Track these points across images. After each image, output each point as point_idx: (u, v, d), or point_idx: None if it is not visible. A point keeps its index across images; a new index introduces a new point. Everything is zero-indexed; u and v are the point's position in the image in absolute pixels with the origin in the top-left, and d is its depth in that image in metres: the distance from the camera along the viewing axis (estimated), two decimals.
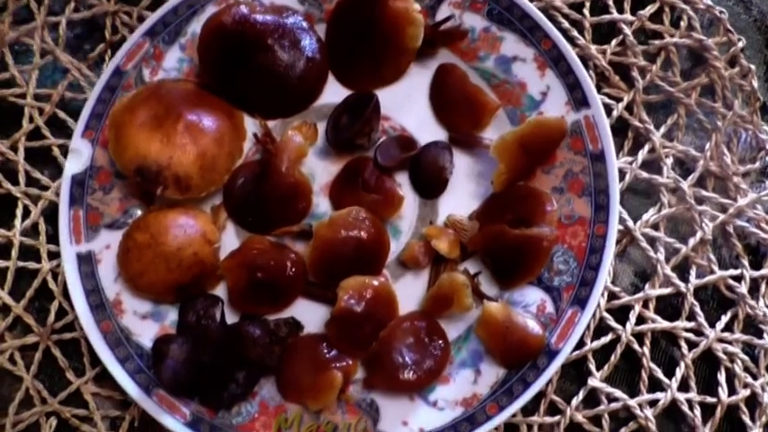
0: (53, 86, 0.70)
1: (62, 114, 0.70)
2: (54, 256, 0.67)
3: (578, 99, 0.66)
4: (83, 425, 0.64)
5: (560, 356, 0.61)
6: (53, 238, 0.67)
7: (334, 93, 0.70)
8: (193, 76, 0.69)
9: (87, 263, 0.65)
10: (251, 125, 0.69)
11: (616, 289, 0.65)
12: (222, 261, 0.65)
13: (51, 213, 0.68)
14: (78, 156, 0.67)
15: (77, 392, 0.65)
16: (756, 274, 0.66)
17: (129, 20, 0.70)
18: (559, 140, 0.65)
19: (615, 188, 0.63)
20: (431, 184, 0.68)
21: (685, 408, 0.63)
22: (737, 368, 0.63)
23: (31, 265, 0.67)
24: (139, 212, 0.66)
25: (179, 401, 0.63)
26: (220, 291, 0.66)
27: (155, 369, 0.62)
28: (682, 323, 0.65)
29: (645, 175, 0.67)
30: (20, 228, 0.68)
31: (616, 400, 0.63)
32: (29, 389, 0.65)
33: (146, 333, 0.64)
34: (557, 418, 0.63)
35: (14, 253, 0.67)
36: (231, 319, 0.65)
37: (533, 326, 0.62)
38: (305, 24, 0.68)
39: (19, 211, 0.68)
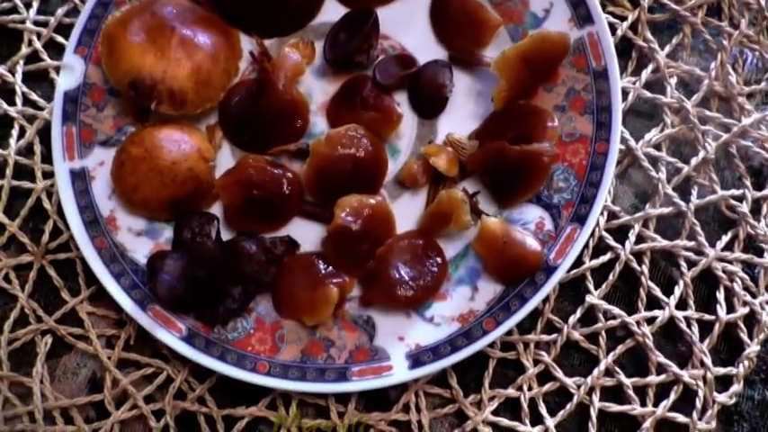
0: (51, 13, 0.70)
1: (60, 38, 0.70)
2: (48, 176, 0.67)
3: (582, 15, 0.65)
4: (78, 342, 0.65)
5: (558, 272, 0.61)
6: (47, 158, 0.67)
7: (332, 11, 0.69)
8: None
9: (81, 179, 0.65)
10: (247, 44, 0.68)
11: (616, 208, 0.65)
12: (218, 179, 0.65)
13: (46, 134, 0.67)
14: (71, 72, 0.66)
15: (73, 312, 0.66)
16: (758, 194, 0.66)
17: None
18: (562, 57, 0.64)
19: (618, 105, 0.63)
20: (430, 102, 0.67)
21: (683, 325, 0.63)
22: (737, 287, 0.64)
23: (26, 184, 0.67)
24: (130, 129, 0.66)
25: (174, 316, 0.63)
26: (216, 210, 0.66)
27: (150, 284, 0.63)
28: (682, 242, 0.65)
29: (648, 94, 0.67)
30: (15, 147, 0.68)
31: (614, 318, 0.63)
32: (24, 307, 0.65)
33: (140, 249, 0.64)
34: (553, 336, 0.64)
35: (9, 172, 0.67)
36: (227, 237, 0.65)
37: (531, 242, 0.62)
38: None
39: (15, 131, 0.68)
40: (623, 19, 0.68)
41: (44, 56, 0.69)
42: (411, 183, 0.66)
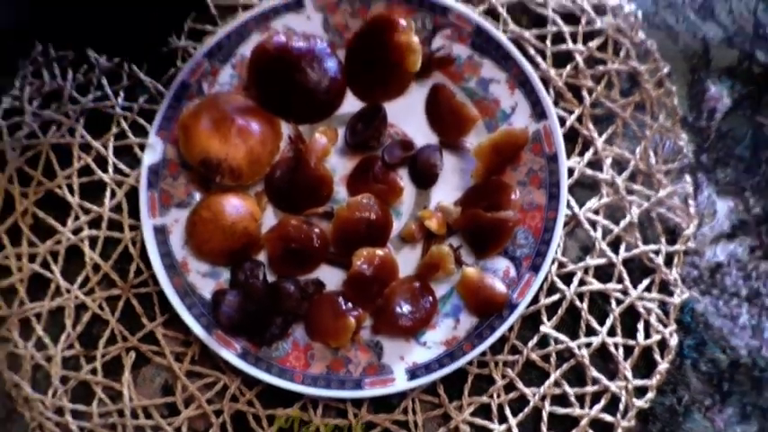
0: (135, 100, 0.78)
1: (141, 120, 0.77)
2: (133, 228, 0.75)
3: (539, 112, 0.74)
4: (155, 357, 0.73)
5: (519, 309, 0.70)
6: (133, 213, 0.75)
7: (351, 104, 0.76)
8: (242, 90, 0.76)
9: (161, 233, 0.73)
10: (286, 129, 0.76)
11: (564, 259, 0.74)
12: (264, 234, 0.73)
13: (132, 195, 0.75)
14: (153, 150, 0.74)
15: (151, 333, 0.73)
16: (671, 249, 0.74)
17: (193, 51, 0.77)
18: (523, 145, 0.73)
19: (564, 183, 0.72)
20: (425, 177, 0.75)
21: (612, 348, 0.72)
22: (653, 319, 0.72)
23: (116, 234, 0.75)
24: (199, 195, 0.74)
25: (232, 339, 0.71)
26: (262, 257, 0.74)
27: (213, 314, 0.71)
28: (612, 285, 0.73)
29: (589, 172, 0.75)
30: (108, 206, 0.75)
31: (561, 343, 0.72)
32: (113, 329, 0.73)
33: (206, 287, 0.72)
34: (516, 356, 0.72)
35: (104, 225, 0.75)
36: (271, 278, 0.73)
37: (500, 286, 0.71)
38: (329, 50, 0.76)
39: (108, 193, 0.75)
40: (571, 113, 0.76)
41: (129, 134, 0.77)
42: (410, 239, 0.74)
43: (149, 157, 0.75)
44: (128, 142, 0.78)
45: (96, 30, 0.69)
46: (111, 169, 0.77)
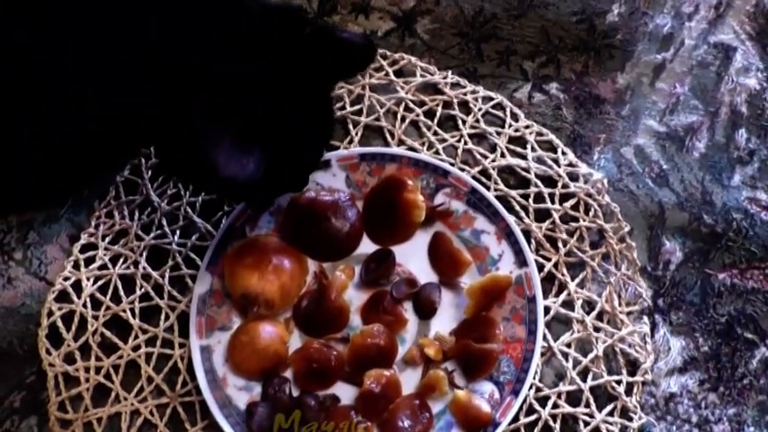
0: (189, 238, 0.89)
1: (193, 255, 0.87)
2: (182, 346, 0.83)
3: (521, 260, 0.84)
4: None
5: (501, 426, 0.78)
6: (182, 334, 0.83)
7: (366, 247, 0.85)
8: (277, 232, 0.85)
9: (206, 352, 0.81)
10: (312, 266, 0.84)
11: (541, 384, 0.80)
12: (290, 355, 0.80)
13: (182, 318, 0.84)
14: (203, 282, 0.84)
15: None
16: (631, 379, 0.81)
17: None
18: (507, 288, 0.82)
19: (541, 320, 0.81)
20: (426, 310, 0.83)
21: None
22: None
23: (168, 351, 0.83)
24: (238, 321, 0.83)
25: None
26: (288, 374, 0.81)
27: (247, 424, 0.78)
28: (581, 409, 0.80)
29: (563, 310, 0.84)
30: (162, 327, 0.84)
31: None
32: None
33: (241, 399, 0.79)
34: None
35: (158, 343, 0.84)
36: (295, 392, 0.79)
37: (485, 406, 0.78)
38: (350, 202, 0.86)
39: (162, 316, 0.85)
40: (549, 260, 0.85)
41: (182, 267, 0.87)
42: (412, 362, 0.80)
43: (199, 288, 0.84)
44: (181, 273, 0.87)
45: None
46: (166, 296, 0.86)
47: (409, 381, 0.81)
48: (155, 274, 0.87)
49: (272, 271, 0.83)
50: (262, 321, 0.82)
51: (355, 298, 0.84)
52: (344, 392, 0.81)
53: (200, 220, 0.89)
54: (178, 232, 0.89)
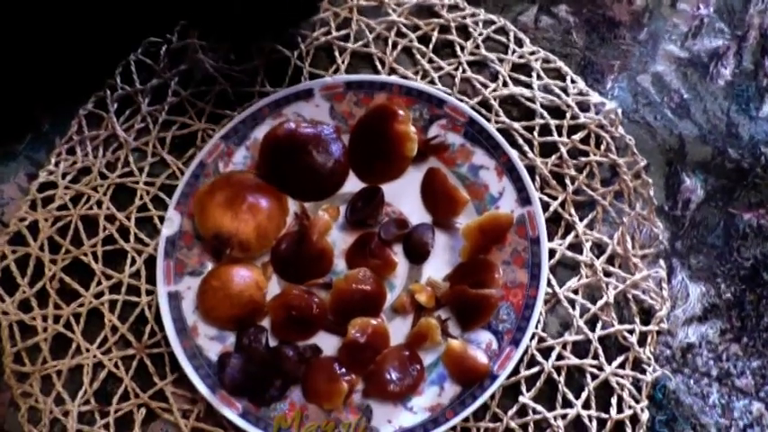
0: (158, 176, 0.84)
1: (162, 195, 0.83)
2: (149, 293, 0.79)
3: (524, 198, 0.79)
4: (164, 414, 0.76)
5: (499, 380, 0.73)
6: (150, 280, 0.79)
7: (352, 185, 0.81)
8: (254, 169, 0.81)
9: (174, 299, 0.77)
10: (293, 205, 0.80)
11: (544, 334, 0.76)
12: (268, 302, 0.76)
13: (150, 263, 0.79)
14: (171, 223, 0.79)
15: (161, 391, 0.76)
16: (645, 329, 0.77)
17: (212, 133, 0.84)
18: (508, 228, 0.77)
19: (545, 264, 0.76)
20: (417, 253, 0.79)
21: (586, 420, 0.74)
22: (625, 395, 0.75)
23: (134, 299, 0.79)
24: (210, 265, 0.78)
25: (234, 399, 0.74)
26: (266, 323, 0.77)
27: (218, 375, 0.74)
28: (589, 361, 0.76)
29: (570, 254, 0.79)
30: (127, 272, 0.80)
31: (539, 413, 0.74)
32: (126, 386, 0.76)
33: (213, 350, 0.76)
34: (497, 424, 0.74)
35: (123, 289, 0.79)
36: (273, 343, 0.76)
37: (482, 357, 0.74)
38: (334, 135, 0.82)
39: (128, 261, 0.80)
40: (555, 198, 0.80)
41: (150, 207, 0.82)
42: (402, 310, 0.77)
43: (167, 229, 0.80)
44: (148, 214, 0.83)
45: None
46: (132, 239, 0.82)
47: (398, 330, 0.78)
48: (120, 215, 0.83)
49: (247, 210, 0.78)
50: (236, 265, 0.78)
51: (340, 240, 0.81)
52: (327, 343, 0.77)
53: (170, 157, 0.85)
54: (146, 170, 0.85)
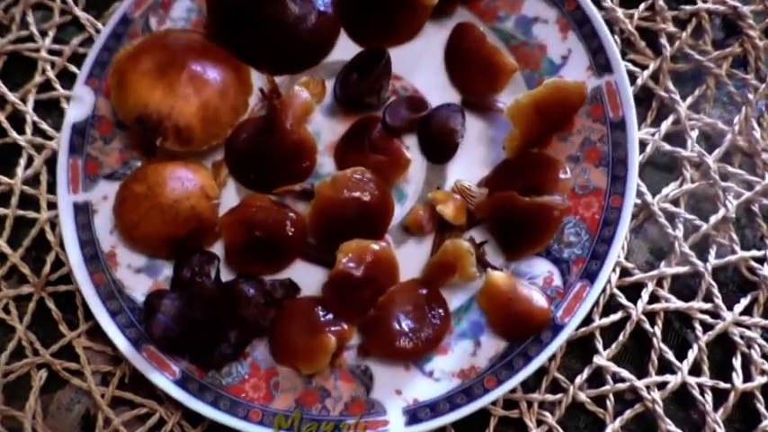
0: (67, 42, 0.72)
1: (73, 68, 0.72)
2: (53, 206, 0.69)
3: (601, 64, 0.66)
4: (73, 378, 0.66)
5: (565, 331, 0.62)
6: (54, 188, 0.68)
7: (344, 49, 0.70)
8: (201, 27, 0.70)
9: (84, 213, 0.66)
10: (258, 79, 0.70)
11: (629, 265, 0.65)
12: (221, 218, 0.66)
13: (54, 164, 0.69)
14: (80, 103, 0.68)
15: (70, 346, 0.67)
16: None
17: None
18: (578, 106, 0.65)
19: (635, 158, 0.63)
20: (440, 147, 0.68)
21: (696, 392, 0.62)
22: (755, 354, 0.63)
23: (30, 214, 0.69)
24: (140, 164, 0.68)
25: (169, 358, 0.64)
26: (217, 248, 0.67)
27: (145, 324, 0.64)
28: (697, 304, 0.65)
29: (667, 147, 0.67)
30: (21, 176, 0.70)
31: (623, 380, 0.63)
32: (21, 339, 0.67)
33: (139, 287, 0.66)
34: (559, 396, 0.63)
35: (14, 201, 0.69)
36: (227, 277, 0.66)
37: (538, 298, 0.63)
38: None
39: (23, 160, 0.70)
40: (644, 68, 0.68)
41: (56, 85, 0.71)
42: (417, 230, 0.66)
43: (74, 113, 0.68)
44: (53, 95, 0.72)
45: None
46: (29, 130, 0.72)
47: (411, 259, 0.67)
48: (12, 96, 0.72)
49: (187, 82, 0.65)
50: (171, 163, 0.67)
51: (326, 129, 0.70)
52: (306, 277, 0.67)
53: (85, 15, 0.73)
54: (51, 33, 0.73)
